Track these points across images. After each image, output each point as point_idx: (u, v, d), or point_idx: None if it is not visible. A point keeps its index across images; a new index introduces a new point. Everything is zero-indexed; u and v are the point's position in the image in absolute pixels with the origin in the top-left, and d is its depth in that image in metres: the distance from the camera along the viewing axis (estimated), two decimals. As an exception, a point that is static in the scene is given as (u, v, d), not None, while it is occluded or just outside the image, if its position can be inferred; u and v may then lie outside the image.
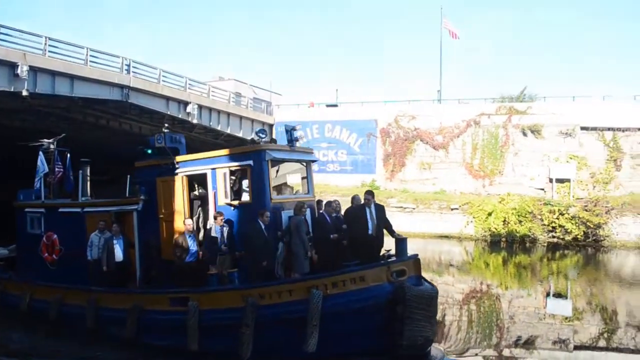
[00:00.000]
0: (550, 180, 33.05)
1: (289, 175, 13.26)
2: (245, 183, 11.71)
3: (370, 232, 11.43)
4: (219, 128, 35.40)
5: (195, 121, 31.74)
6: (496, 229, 29.65)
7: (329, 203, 12.18)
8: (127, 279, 12.55)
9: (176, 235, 11.67)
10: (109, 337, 11.38)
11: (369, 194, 11.90)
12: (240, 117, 37.82)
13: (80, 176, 14.09)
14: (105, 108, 28.52)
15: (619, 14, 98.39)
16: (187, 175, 12.15)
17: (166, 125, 13.76)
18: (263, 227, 10.80)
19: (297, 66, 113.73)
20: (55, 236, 13.78)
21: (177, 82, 31.63)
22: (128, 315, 10.93)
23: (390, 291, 9.60)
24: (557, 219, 28.96)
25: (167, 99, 30.21)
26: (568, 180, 32.45)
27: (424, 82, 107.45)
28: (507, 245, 29.04)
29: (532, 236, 29.39)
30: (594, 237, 28.51)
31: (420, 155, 36.67)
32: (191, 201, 12.51)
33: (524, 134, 34.41)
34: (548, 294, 19.10)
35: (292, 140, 12.39)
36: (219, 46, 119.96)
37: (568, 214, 28.96)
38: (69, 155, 14.87)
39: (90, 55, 24.76)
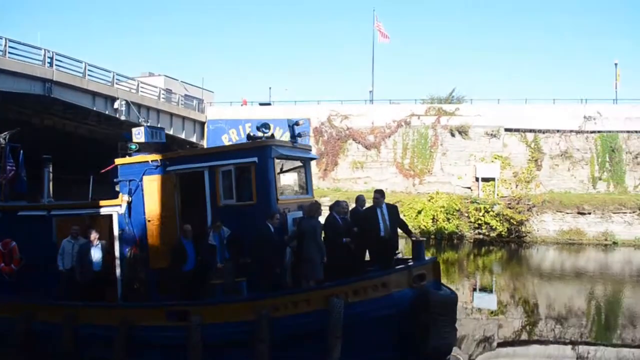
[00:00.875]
0: (477, 179, 34.36)
1: (282, 174, 11.78)
2: (235, 183, 10.64)
3: (382, 234, 10.46)
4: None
5: (123, 118, 30.63)
6: (425, 227, 30.47)
7: (337, 203, 11.14)
8: (105, 292, 11.11)
9: (173, 241, 10.51)
10: None
11: (379, 193, 10.92)
12: (171, 115, 36.99)
13: (45, 175, 12.81)
14: (26, 103, 27.08)
15: (542, 21, 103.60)
16: (179, 174, 10.90)
17: (142, 119, 12.66)
18: (273, 231, 9.91)
19: (230, 64, 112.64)
20: (13, 244, 11.76)
21: (104, 76, 30.60)
22: (116, 332, 9.37)
23: (413, 297, 9.01)
24: (483, 216, 30.17)
25: (94, 94, 29.17)
26: (493, 179, 33.91)
27: (357, 83, 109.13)
28: (436, 242, 29.94)
29: (460, 233, 30.47)
30: (517, 234, 29.98)
31: (352, 155, 37.15)
32: (184, 202, 11.15)
33: (452, 135, 35.57)
34: (474, 289, 19.80)
35: (294, 136, 11.36)
36: (148, 42, 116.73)
37: (493, 211, 30.21)
38: (22, 151, 13.33)
39: (9, 47, 23.47)
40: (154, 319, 9.54)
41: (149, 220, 10.94)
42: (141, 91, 34.21)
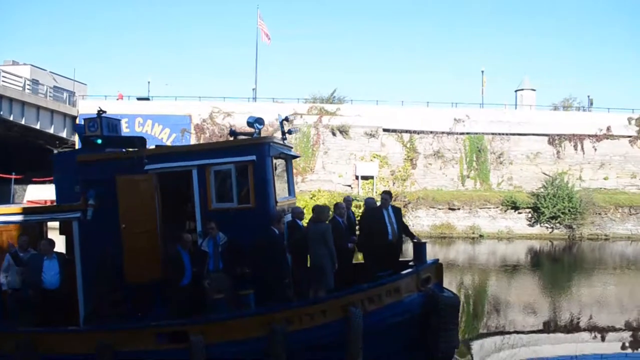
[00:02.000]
0: (357, 177, 35.47)
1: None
2: (230, 184, 9.55)
3: (390, 237, 9.94)
4: (11, 118, 31.76)
5: (-20, 109, 27.97)
6: (308, 224, 30.76)
7: (337, 205, 10.52)
8: (62, 314, 9.24)
9: (169, 252, 9.22)
10: None
11: (387, 194, 10.43)
12: (38, 107, 34.41)
13: None
14: None
15: (418, 29, 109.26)
16: (159, 174, 9.49)
17: (100, 107, 10.46)
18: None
19: (105, 56, 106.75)
20: None
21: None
22: None
23: (423, 301, 8.76)
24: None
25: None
26: (372, 177, 35.24)
27: (240, 81, 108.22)
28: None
29: (341, 230, 31.14)
30: (394, 230, 31.25)
31: (235, 153, 36.68)
32: (169, 207, 9.86)
33: (334, 134, 36.41)
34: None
35: (284, 133, 10.51)
36: (12, 29, 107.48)
37: (372, 208, 31.23)
38: None
39: None
40: (141, 342, 8.04)
41: (123, 227, 9.28)
42: (3, 81, 31.37)
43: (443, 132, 36.96)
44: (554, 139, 37.73)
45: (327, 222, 9.51)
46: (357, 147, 36.20)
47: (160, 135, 37.02)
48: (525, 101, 45.24)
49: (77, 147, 11.90)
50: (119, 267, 9.14)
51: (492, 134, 37.24)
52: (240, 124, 36.62)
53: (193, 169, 9.43)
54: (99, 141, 9.87)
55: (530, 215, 33.47)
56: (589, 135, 37.92)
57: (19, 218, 9.73)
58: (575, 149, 37.94)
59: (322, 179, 35.82)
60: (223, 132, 36.61)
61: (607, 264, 25.05)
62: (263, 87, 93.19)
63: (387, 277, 9.09)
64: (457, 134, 37.04)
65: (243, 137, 11.30)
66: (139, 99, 41.34)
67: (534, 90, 47.08)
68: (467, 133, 37.08)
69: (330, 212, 10.20)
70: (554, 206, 32.21)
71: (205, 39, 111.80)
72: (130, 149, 10.03)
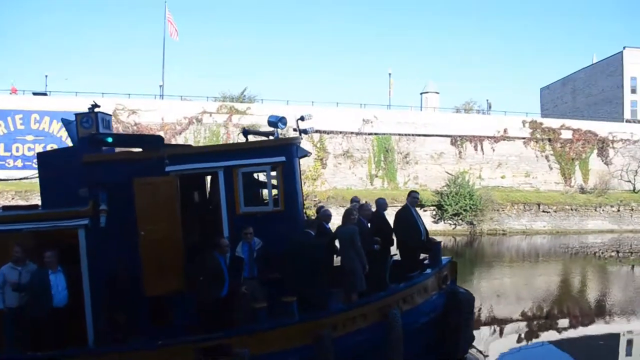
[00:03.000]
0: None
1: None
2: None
3: (422, 237, 9.88)
4: None
5: None
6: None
7: (361, 206, 10.03)
8: (68, 335, 8.13)
9: (204, 259, 8.27)
10: None
11: (417, 193, 10.44)
12: None
13: None
14: None
15: (328, 31, 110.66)
16: (182, 176, 8.79)
17: (94, 101, 9.41)
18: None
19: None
20: None
21: None
22: None
23: (445, 300, 8.87)
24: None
25: None
26: (283, 177, 35.08)
27: (146, 77, 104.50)
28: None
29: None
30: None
31: (141, 152, 35.37)
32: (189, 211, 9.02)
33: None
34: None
35: (300, 133, 9.88)
36: None
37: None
38: None
39: None
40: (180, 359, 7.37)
41: (142, 234, 8.50)
42: None
43: (352, 133, 37.65)
44: (456, 140, 39.58)
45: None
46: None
47: (59, 133, 34.89)
48: (430, 103, 47.23)
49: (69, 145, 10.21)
50: (135, 279, 8.32)
51: (399, 134, 38.43)
52: (147, 122, 35.43)
53: (219, 170, 8.84)
54: (110, 139, 8.91)
55: (435, 212, 34.86)
56: (488, 137, 40.12)
57: (15, 226, 8.47)
58: (476, 150, 40.02)
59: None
60: (128, 130, 35.13)
61: (504, 257, 26.64)
62: (171, 84, 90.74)
63: (417, 276, 9.08)
64: (365, 134, 37.87)
65: (256, 137, 10.75)
66: (35, 93, 38.68)
67: (437, 93, 49.24)
68: (375, 134, 38.02)
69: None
70: (457, 204, 33.76)
71: (111, 34, 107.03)
72: (147, 149, 8.98)
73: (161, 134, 35.22)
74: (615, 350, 12.17)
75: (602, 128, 44.05)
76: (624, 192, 41.02)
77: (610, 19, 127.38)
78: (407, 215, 10.02)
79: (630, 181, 42.11)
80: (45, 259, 8.07)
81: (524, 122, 41.51)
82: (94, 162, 8.68)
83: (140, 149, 9.08)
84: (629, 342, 12.91)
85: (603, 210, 37.64)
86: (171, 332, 8.06)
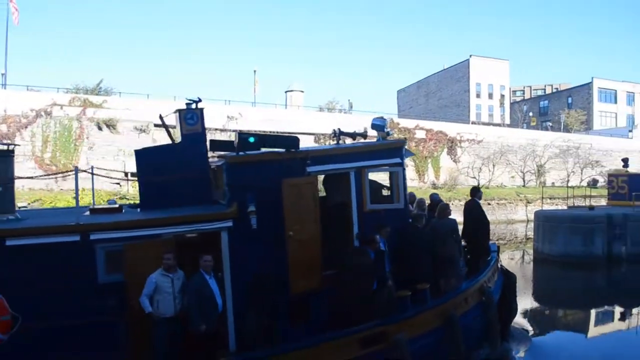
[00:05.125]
0: (126, 175, 33.51)
1: None
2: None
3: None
4: None
5: None
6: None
7: (421, 201, 11.07)
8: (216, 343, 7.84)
9: (358, 255, 8.74)
10: None
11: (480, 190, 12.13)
12: None
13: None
14: None
15: (192, 23, 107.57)
16: (320, 176, 9.39)
17: (198, 97, 9.24)
18: None
19: None
20: None
21: None
22: None
23: (503, 280, 10.94)
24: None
25: None
26: (143, 175, 33.60)
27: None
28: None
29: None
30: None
31: (-21, 146, 31.85)
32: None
33: (100, 128, 33.88)
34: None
35: (388, 134, 10.68)
36: None
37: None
38: None
39: None
40: (349, 350, 7.68)
41: (290, 234, 8.60)
42: None
43: (216, 129, 36.98)
44: (319, 138, 40.51)
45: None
46: (126, 143, 34.18)
47: None
48: (295, 102, 47.83)
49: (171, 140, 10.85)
50: (279, 280, 8.35)
51: (264, 131, 38.46)
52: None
53: (351, 171, 9.34)
54: (252, 140, 8.83)
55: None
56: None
57: (161, 231, 7.97)
58: (338, 148, 41.27)
59: (88, 177, 32.91)
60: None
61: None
62: (15, 73, 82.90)
63: (489, 260, 10.90)
64: (230, 131, 37.40)
65: (349, 137, 11.24)
66: None
67: (302, 92, 49.98)
68: (240, 130, 37.71)
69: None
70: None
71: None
72: (289, 150, 9.01)
73: (3, 127, 32.06)
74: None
75: (451, 129, 47.69)
76: (470, 187, 44.63)
77: (459, 28, 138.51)
78: (480, 209, 11.40)
79: (475, 177, 45.95)
80: (204, 263, 7.81)
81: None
82: (240, 163, 8.66)
83: (281, 150, 9.06)
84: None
85: (452, 204, 40.67)
86: (309, 330, 8.40)
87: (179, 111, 9.51)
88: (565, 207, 28.50)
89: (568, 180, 47.88)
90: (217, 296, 7.89)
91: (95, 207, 9.54)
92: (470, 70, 75.95)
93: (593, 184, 46.48)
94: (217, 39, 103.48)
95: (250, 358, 7.55)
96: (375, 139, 10.77)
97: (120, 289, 7.59)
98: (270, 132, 38.34)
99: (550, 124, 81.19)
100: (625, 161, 29.98)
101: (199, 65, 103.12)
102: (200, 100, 9.62)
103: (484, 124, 65.38)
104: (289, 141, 9.19)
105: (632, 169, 33.55)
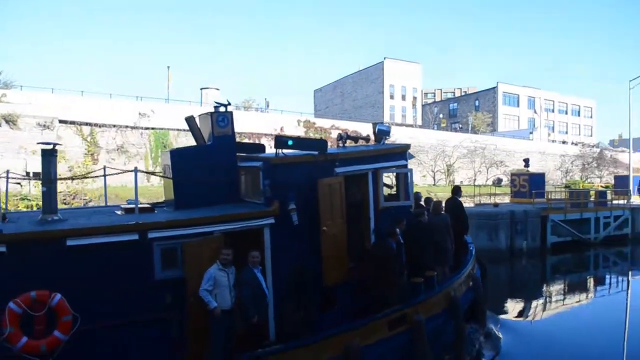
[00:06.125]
0: (28, 174, 31.52)
1: None
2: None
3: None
4: None
5: None
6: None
7: (438, 203, 12.14)
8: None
9: (383, 247, 9.63)
10: None
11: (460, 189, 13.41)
12: None
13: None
14: None
15: (100, 15, 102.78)
16: (345, 176, 9.96)
17: (227, 100, 10.04)
18: None
19: None
20: (57, 297, 6.92)
21: None
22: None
23: (480, 265, 13.19)
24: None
25: None
26: (46, 174, 31.75)
27: None
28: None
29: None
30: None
31: None
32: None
33: (-2, 124, 31.69)
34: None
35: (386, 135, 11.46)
36: None
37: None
38: None
39: None
40: (380, 332, 8.76)
41: (324, 230, 9.33)
42: None
43: (127, 126, 35.62)
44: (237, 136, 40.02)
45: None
46: (28, 140, 32.15)
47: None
48: (210, 99, 46.85)
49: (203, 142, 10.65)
50: (313, 272, 9.04)
51: (178, 129, 37.46)
52: None
53: (370, 171, 10.34)
54: (291, 142, 9.69)
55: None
56: (266, 134, 41.37)
57: (213, 228, 8.46)
58: (254, 147, 40.99)
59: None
60: None
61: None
62: None
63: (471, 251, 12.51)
64: (142, 128, 36.15)
65: (351, 140, 11.98)
66: None
67: (218, 89, 49.12)
68: (153, 128, 36.52)
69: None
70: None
71: None
72: (320, 152, 9.72)
73: None
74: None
75: (366, 129, 48.61)
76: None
77: (374, 30, 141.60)
78: (461, 206, 13.05)
79: (388, 176, 47.07)
80: (252, 259, 8.34)
81: (298, 122, 43.80)
82: (282, 164, 9.31)
83: (314, 152, 9.71)
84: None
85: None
86: (336, 318, 9.13)
87: (211, 115, 10.07)
88: (472, 205, 29.78)
89: (475, 179, 50.26)
90: (265, 289, 8.47)
91: (127, 206, 9.83)
92: (385, 72, 77.92)
93: (498, 182, 49.11)
94: (129, 34, 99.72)
95: (295, 346, 7.92)
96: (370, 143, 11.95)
97: (174, 285, 8.00)
98: (186, 130, 37.47)
99: (459, 125, 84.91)
100: (526, 161, 31.89)
101: (108, 59, 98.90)
102: (229, 104, 10.26)
103: (397, 124, 67.21)
104: (321, 144, 9.90)
105: (533, 168, 35.74)
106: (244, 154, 10.63)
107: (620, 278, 21.69)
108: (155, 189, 34.71)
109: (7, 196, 13.00)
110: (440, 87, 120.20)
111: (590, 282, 21.19)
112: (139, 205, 9.46)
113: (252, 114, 45.57)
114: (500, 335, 12.23)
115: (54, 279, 7.13)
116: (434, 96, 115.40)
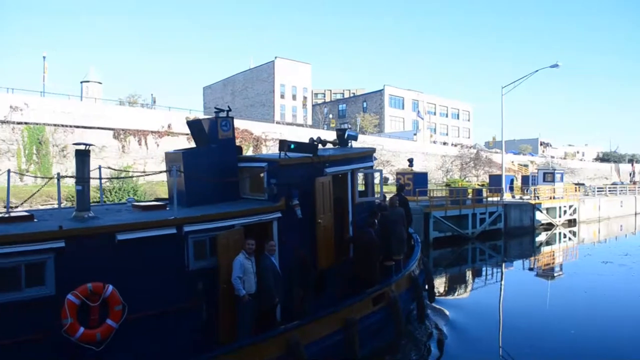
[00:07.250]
0: None
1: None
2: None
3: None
4: None
5: None
6: None
7: (393, 199, 13.91)
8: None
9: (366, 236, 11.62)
10: None
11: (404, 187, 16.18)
12: None
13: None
14: None
15: None
16: (333, 175, 11.61)
17: (228, 105, 11.95)
18: None
19: None
20: (110, 288, 7.57)
21: None
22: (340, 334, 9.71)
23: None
24: None
25: None
26: None
27: None
28: None
29: None
30: None
31: None
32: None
33: None
34: None
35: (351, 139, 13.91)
36: None
37: None
38: None
39: None
40: (367, 308, 10.50)
41: (318, 222, 10.94)
42: None
43: (-4, 121, 32.65)
44: (119, 134, 38.10)
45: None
46: None
47: None
48: (92, 93, 44.36)
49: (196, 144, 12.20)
50: (313, 259, 10.60)
51: (55, 125, 34.96)
52: None
53: (349, 172, 12.07)
54: (293, 146, 10.98)
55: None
56: (153, 131, 39.80)
57: (236, 222, 9.54)
58: (140, 144, 39.22)
59: None
60: None
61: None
62: None
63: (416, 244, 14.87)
64: (14, 123, 33.26)
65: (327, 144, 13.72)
66: None
67: (100, 83, 46.58)
68: (26, 123, 33.77)
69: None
70: (119, 200, 32.49)
71: None
72: (314, 155, 11.24)
73: None
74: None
75: (257, 128, 48.42)
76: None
77: (264, 28, 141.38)
78: (406, 202, 14.91)
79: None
80: (270, 248, 9.49)
81: (187, 119, 42.53)
82: (286, 166, 10.69)
83: (303, 154, 11.18)
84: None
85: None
86: (328, 299, 10.59)
87: (216, 119, 11.02)
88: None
89: (363, 178, 51.67)
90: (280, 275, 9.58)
91: (139, 204, 10.54)
92: (275, 71, 78.07)
93: (384, 181, 50.80)
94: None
95: (300, 325, 9.03)
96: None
97: (204, 275, 8.94)
98: (64, 125, 35.10)
99: (348, 125, 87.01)
100: (411, 161, 33.40)
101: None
102: (230, 110, 11.44)
103: (287, 124, 67.65)
104: (313, 148, 11.30)
105: (416, 168, 37.46)
106: (243, 155, 11.85)
107: (495, 270, 23.33)
108: (29, 188, 32.20)
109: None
110: (330, 87, 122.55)
111: (469, 274, 22.58)
112: (157, 203, 10.49)
113: (137, 110, 43.61)
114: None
115: (106, 271, 7.78)
116: (324, 96, 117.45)
